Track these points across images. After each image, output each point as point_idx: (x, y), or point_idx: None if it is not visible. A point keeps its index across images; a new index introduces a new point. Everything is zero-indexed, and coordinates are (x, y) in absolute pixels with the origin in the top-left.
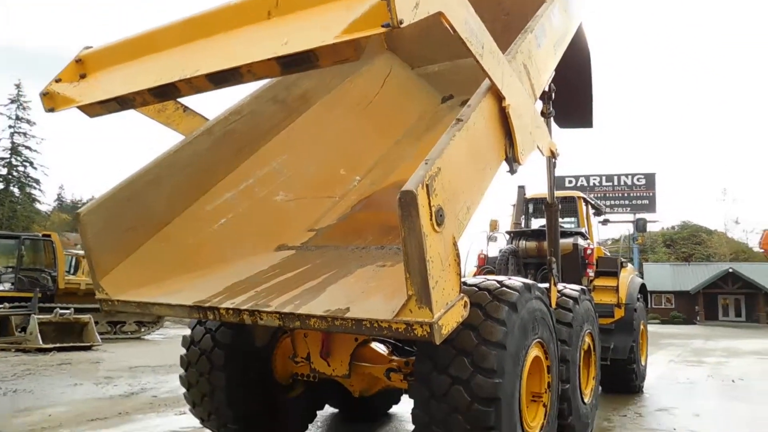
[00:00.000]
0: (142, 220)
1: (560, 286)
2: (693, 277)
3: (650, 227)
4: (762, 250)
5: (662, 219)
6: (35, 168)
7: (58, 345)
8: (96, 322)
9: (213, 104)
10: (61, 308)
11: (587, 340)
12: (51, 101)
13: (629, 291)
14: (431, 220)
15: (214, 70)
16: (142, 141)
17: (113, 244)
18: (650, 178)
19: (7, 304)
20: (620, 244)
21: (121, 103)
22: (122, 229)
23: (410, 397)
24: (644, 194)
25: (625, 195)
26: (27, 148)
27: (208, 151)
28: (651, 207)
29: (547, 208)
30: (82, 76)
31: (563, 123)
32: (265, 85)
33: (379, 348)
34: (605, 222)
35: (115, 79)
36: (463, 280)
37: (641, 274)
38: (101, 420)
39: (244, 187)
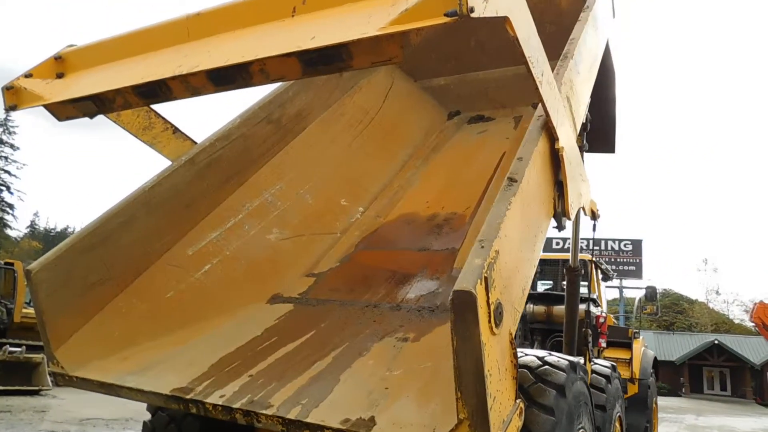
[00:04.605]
0: (110, 271)
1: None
2: (677, 346)
3: (633, 293)
4: (752, 323)
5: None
6: (11, 193)
7: (0, 387)
8: None
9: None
10: (12, 345)
11: (617, 426)
12: (14, 97)
13: (643, 365)
14: (490, 322)
15: (217, 65)
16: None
17: (73, 304)
18: (637, 245)
19: None
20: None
21: (99, 103)
22: (85, 285)
23: None
24: (631, 260)
25: (612, 260)
26: (6, 172)
27: (190, 184)
28: (638, 273)
29: (569, 272)
30: (59, 76)
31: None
32: (256, 104)
33: None
34: (607, 276)
35: (95, 78)
36: None
37: None
38: None
39: (232, 225)
